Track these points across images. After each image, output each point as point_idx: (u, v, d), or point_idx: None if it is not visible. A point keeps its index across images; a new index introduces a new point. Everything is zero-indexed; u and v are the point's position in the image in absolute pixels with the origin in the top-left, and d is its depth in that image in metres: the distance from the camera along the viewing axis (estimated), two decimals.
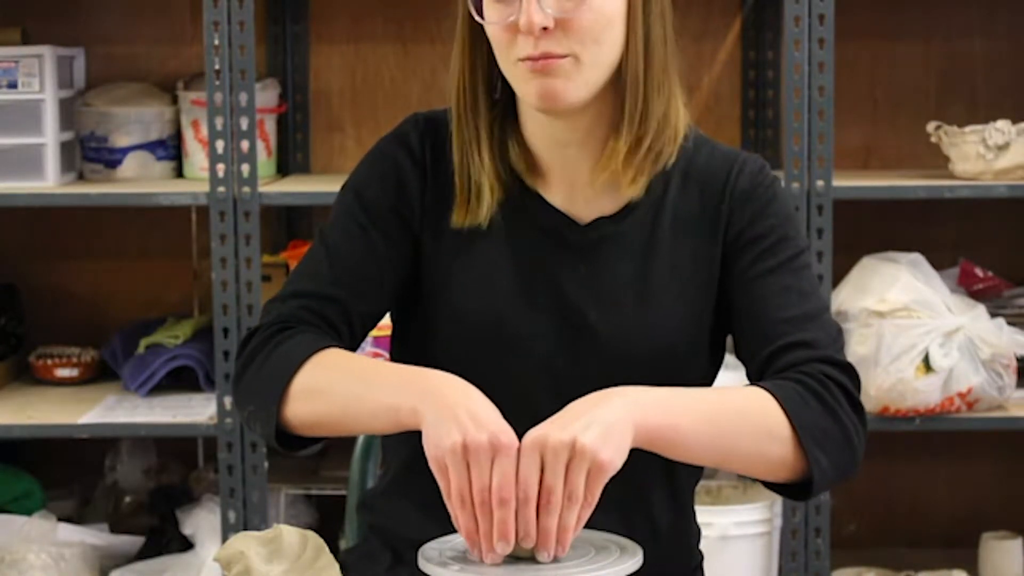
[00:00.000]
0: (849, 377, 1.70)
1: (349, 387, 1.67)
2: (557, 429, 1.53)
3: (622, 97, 1.76)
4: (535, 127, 1.81)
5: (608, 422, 1.54)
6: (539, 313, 1.78)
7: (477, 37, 1.78)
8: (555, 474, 1.52)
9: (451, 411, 1.55)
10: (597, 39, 1.72)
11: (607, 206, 1.80)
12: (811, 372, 1.69)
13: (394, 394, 1.62)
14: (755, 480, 1.70)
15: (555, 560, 1.54)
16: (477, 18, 1.75)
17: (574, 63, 1.71)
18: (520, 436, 1.54)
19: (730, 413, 1.64)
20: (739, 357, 1.80)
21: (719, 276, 1.80)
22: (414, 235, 1.82)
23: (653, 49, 1.75)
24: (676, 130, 1.81)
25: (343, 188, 1.86)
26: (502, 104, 1.81)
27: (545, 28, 1.69)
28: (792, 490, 1.69)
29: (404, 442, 1.80)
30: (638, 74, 1.75)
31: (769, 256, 1.78)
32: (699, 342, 1.81)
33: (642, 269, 1.79)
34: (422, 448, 1.57)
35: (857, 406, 1.70)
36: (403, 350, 1.87)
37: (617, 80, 1.76)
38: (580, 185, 1.82)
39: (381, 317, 1.85)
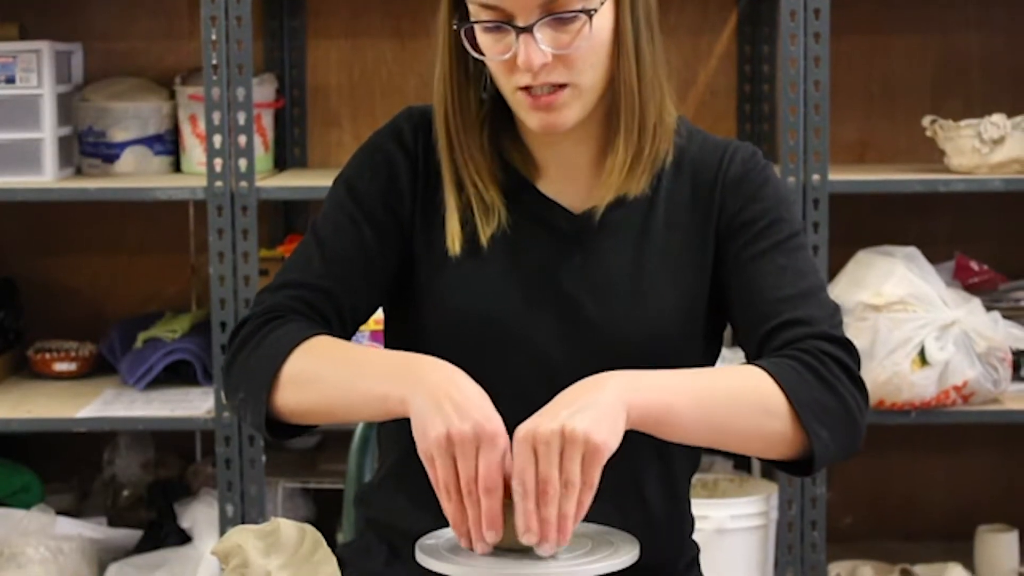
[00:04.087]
0: (847, 352, 1.69)
1: (338, 374, 1.67)
2: (546, 419, 1.53)
3: (615, 98, 1.76)
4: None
5: (600, 404, 1.54)
6: (534, 304, 1.78)
7: (460, 42, 1.77)
8: (549, 464, 1.51)
9: (436, 401, 1.55)
10: (593, 65, 1.72)
11: (601, 196, 1.80)
12: (807, 348, 1.68)
13: (383, 382, 1.62)
14: (767, 465, 1.70)
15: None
16: (474, 54, 1.75)
17: (573, 91, 1.72)
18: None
19: (723, 390, 1.64)
20: (737, 340, 1.80)
21: (713, 263, 1.80)
22: (405, 228, 1.82)
23: (643, 58, 1.75)
24: (669, 128, 1.81)
25: (336, 180, 1.86)
26: (490, 99, 1.81)
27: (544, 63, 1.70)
28: (795, 466, 1.69)
29: (400, 436, 1.79)
30: (632, 88, 1.75)
31: (762, 238, 1.77)
32: (694, 330, 1.81)
33: (636, 258, 1.79)
34: None
35: (857, 381, 1.69)
36: (396, 346, 1.87)
37: (610, 86, 1.76)
38: (574, 176, 1.82)
39: (373, 311, 1.85)
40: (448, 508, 1.54)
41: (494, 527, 1.52)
